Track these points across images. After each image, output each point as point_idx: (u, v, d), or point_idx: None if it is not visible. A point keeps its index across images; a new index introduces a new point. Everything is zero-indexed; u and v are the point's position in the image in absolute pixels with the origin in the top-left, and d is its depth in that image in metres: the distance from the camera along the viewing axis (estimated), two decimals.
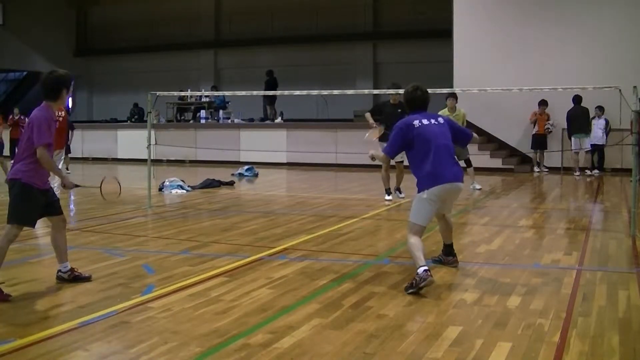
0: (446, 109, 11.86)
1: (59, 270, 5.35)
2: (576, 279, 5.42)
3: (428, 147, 5.30)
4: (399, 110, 10.23)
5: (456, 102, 11.90)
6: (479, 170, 15.08)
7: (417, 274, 4.95)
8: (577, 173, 14.85)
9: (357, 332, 4.06)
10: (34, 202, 5.02)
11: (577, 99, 14.94)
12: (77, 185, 5.53)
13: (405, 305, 4.66)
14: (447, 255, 5.98)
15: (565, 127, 15.66)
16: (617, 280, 5.43)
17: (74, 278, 5.31)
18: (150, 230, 8.16)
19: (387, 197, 10.55)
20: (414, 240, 5.21)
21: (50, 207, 5.20)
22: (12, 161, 5.40)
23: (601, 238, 7.51)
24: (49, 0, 27.14)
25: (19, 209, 5.02)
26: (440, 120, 5.51)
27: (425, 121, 5.39)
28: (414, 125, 5.36)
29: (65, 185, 5.35)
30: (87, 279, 5.35)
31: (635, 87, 7.65)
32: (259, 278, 5.45)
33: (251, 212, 9.53)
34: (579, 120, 14.95)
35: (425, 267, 4.96)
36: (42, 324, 4.25)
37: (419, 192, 5.36)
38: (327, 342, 3.88)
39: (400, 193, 10.80)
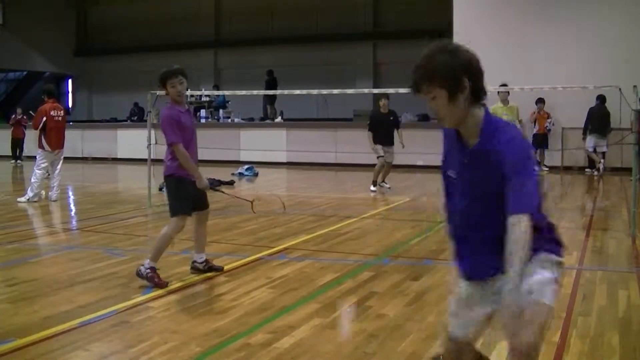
0: (499, 102, 11.51)
1: (194, 261, 5.53)
2: (576, 279, 5.41)
3: None
4: (391, 118, 11.49)
5: (508, 94, 11.47)
6: None
7: None
8: (594, 170, 14.91)
9: (357, 332, 4.06)
10: (188, 193, 5.28)
11: (601, 98, 14.69)
12: (211, 188, 5.66)
13: (405, 305, 4.65)
14: None
15: (565, 126, 15.70)
16: (617, 280, 5.43)
17: (208, 269, 5.51)
18: (150, 230, 8.15)
19: (372, 189, 11.61)
20: None
21: (199, 200, 5.43)
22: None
23: (601, 238, 7.50)
24: (49, 0, 27.14)
25: (176, 202, 5.27)
26: None
27: None
28: None
29: (200, 186, 5.40)
30: (220, 269, 5.57)
31: (635, 86, 7.66)
32: (259, 278, 5.45)
33: (251, 212, 9.50)
34: (598, 119, 14.82)
35: None
36: (42, 324, 4.24)
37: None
38: (327, 342, 3.88)
39: (386, 184, 11.78)
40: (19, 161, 19.11)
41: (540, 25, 16.18)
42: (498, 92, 11.51)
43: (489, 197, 2.45)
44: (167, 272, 5.64)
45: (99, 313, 4.44)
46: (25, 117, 18.85)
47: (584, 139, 14.95)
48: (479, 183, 2.48)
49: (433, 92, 2.38)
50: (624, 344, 3.89)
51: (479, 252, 2.55)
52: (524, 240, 2.27)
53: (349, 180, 14.96)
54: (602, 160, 14.79)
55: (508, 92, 11.42)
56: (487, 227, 2.48)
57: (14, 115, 19.52)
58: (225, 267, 5.80)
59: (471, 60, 2.39)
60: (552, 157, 16.05)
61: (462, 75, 2.35)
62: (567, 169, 15.61)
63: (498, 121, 2.49)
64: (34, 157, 11.07)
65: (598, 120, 14.82)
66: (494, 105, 11.59)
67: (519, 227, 2.27)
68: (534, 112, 15.84)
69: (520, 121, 11.74)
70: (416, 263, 6.05)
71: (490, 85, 10.64)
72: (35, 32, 26.13)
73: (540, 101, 15.64)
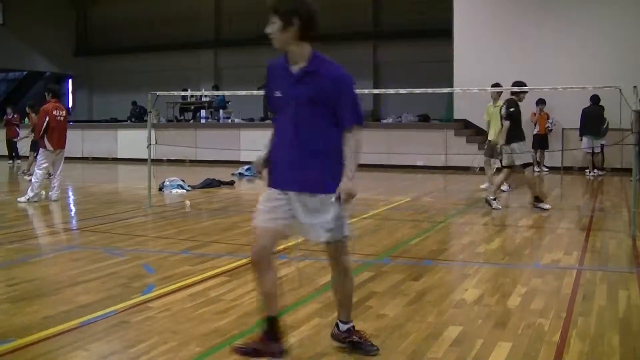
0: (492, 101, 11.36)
1: None
2: (576, 279, 5.42)
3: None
4: None
5: (499, 94, 11.17)
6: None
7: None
8: (591, 172, 14.87)
9: None
10: None
11: (594, 99, 14.70)
12: None
13: (405, 305, 4.65)
14: None
15: (565, 126, 15.70)
16: (617, 280, 5.43)
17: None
18: (150, 230, 8.16)
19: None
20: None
21: None
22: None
23: (601, 238, 7.50)
24: (49, 0, 27.15)
25: None
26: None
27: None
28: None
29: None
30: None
31: (635, 87, 7.65)
32: None
33: (251, 212, 9.49)
34: (592, 120, 14.80)
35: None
36: (42, 324, 4.24)
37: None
38: (327, 342, 3.88)
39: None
40: (17, 161, 19.08)
41: (540, 25, 16.18)
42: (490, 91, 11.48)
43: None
44: (167, 272, 5.65)
45: (99, 313, 4.44)
46: (16, 116, 18.77)
47: (581, 140, 14.99)
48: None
49: (273, 19, 3.48)
50: (624, 344, 3.89)
51: None
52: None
53: None
54: (593, 171, 14.92)
55: (499, 92, 11.34)
56: None
57: (5, 116, 19.39)
58: (225, 267, 5.80)
59: (308, 10, 3.37)
60: (552, 157, 16.04)
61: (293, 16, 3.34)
62: (567, 169, 15.61)
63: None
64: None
65: (592, 121, 14.83)
66: (488, 104, 11.58)
67: None
68: (534, 113, 15.83)
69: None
70: (416, 263, 6.05)
71: (490, 85, 10.55)
72: (35, 32, 26.12)
73: (540, 102, 15.64)
